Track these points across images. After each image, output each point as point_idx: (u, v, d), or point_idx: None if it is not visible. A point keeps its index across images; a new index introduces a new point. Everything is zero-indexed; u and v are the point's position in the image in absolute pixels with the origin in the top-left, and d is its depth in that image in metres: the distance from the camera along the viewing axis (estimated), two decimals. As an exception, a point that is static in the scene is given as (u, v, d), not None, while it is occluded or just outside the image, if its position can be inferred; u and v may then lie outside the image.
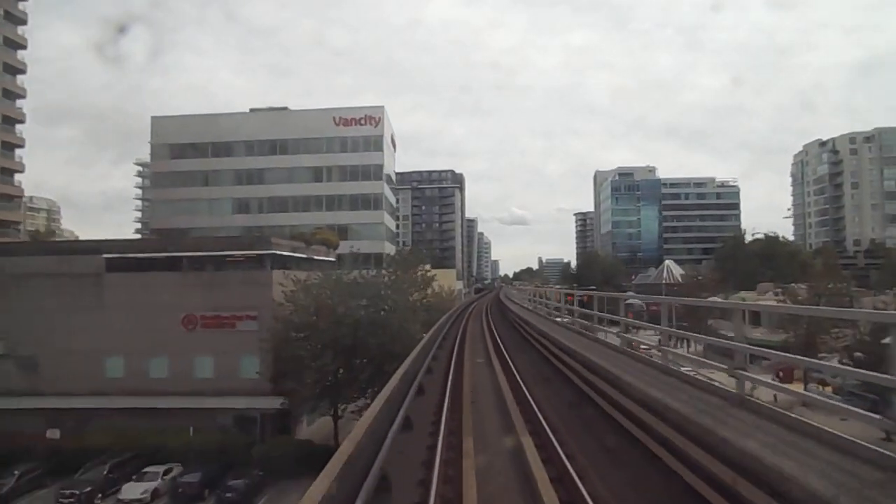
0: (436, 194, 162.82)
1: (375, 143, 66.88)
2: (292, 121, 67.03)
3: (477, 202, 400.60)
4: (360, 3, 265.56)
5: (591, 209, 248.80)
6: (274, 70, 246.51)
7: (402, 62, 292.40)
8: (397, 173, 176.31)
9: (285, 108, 69.95)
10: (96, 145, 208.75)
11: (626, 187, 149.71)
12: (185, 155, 67.58)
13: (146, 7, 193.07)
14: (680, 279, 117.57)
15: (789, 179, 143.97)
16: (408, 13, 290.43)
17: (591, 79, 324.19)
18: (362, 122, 66.74)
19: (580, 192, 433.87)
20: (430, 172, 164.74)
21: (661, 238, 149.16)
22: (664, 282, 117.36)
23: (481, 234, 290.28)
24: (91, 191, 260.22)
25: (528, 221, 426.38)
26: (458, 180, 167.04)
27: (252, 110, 70.00)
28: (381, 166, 66.95)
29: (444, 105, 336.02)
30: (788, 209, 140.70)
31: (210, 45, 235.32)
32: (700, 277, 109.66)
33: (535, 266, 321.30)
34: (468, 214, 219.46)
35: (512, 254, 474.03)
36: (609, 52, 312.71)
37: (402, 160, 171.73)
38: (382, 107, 67.54)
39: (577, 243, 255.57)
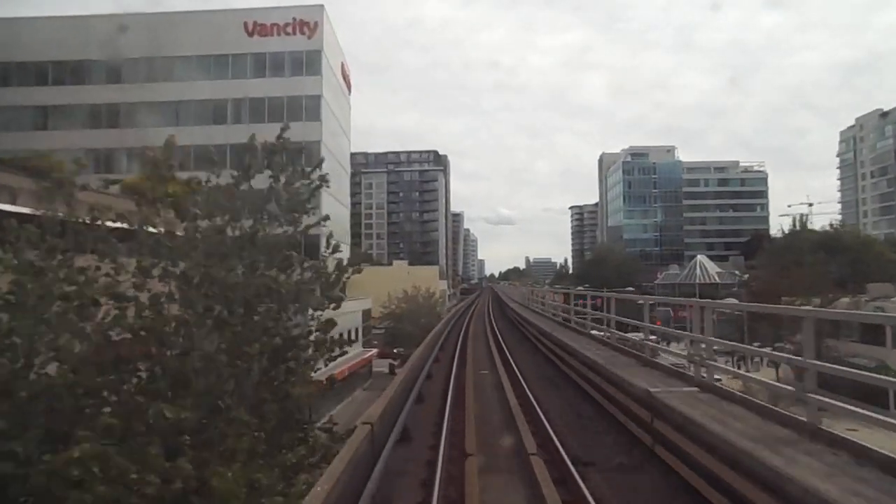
0: (415, 178, 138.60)
1: (311, 63, 42.64)
2: (182, 30, 42.64)
3: (463, 202, 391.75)
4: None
5: (588, 202, 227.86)
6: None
7: (385, 60, 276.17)
8: (369, 154, 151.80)
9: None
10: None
11: (641, 170, 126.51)
12: (9, 81, 43.01)
13: (143, 4, 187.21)
14: (717, 278, 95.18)
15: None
16: (392, 12, 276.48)
17: (579, 78, 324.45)
18: (289, 30, 42.45)
19: (568, 191, 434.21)
20: (408, 153, 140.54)
21: (681, 230, 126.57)
22: (698, 281, 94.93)
23: (468, 230, 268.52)
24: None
25: (514, 221, 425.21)
26: (441, 163, 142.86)
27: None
28: (318, 99, 42.75)
29: (429, 104, 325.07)
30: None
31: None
32: (746, 276, 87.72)
33: (523, 266, 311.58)
34: (453, 209, 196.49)
35: (498, 253, 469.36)
36: (599, 51, 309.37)
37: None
38: (322, 6, 43.27)
39: (574, 240, 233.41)
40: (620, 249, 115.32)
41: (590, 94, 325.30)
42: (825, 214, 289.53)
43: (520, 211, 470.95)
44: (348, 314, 49.95)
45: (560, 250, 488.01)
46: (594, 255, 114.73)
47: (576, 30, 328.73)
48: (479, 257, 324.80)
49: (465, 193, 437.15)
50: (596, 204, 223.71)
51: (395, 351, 56.73)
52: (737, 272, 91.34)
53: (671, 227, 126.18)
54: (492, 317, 35.42)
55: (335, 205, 47.59)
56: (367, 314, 57.48)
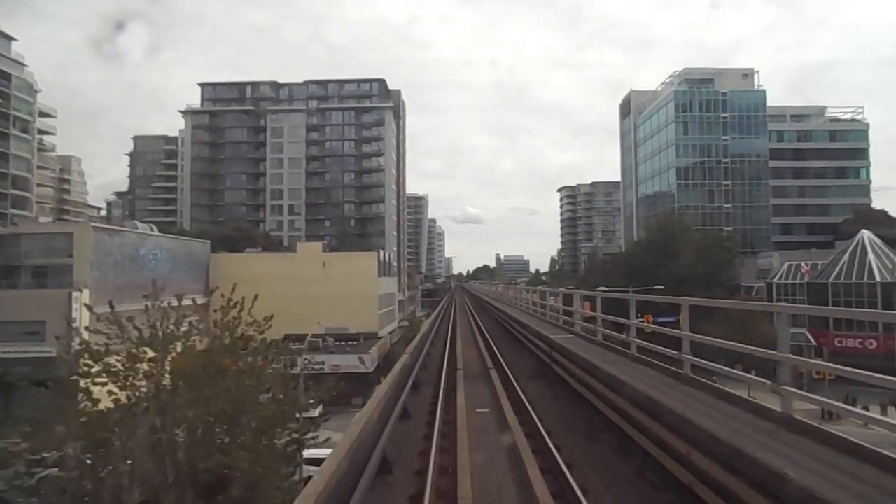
0: (350, 121, 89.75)
1: None
2: None
3: (429, 199, 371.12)
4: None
5: (576, 182, 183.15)
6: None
7: (346, 57, 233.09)
8: (281, 85, 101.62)
9: None
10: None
11: (706, 105, 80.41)
12: None
13: (145, 4, 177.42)
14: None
15: None
16: (351, 8, 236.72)
17: (544, 77, 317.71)
18: None
19: (537, 191, 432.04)
20: (340, 83, 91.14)
21: (766, 202, 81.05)
22: (878, 279, 49.24)
23: (433, 221, 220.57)
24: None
25: (482, 220, 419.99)
26: (391, 100, 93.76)
27: None
28: None
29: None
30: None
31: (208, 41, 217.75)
32: None
33: (493, 264, 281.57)
34: (413, 191, 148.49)
35: (467, 252, 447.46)
36: (561, 50, 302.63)
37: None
38: None
39: (565, 230, 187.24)
40: (689, 226, 68.43)
41: (558, 94, 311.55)
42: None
43: (487, 210, 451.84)
44: None
45: (531, 249, 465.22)
46: (653, 236, 67.28)
47: (543, 29, 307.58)
48: (447, 255, 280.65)
49: (430, 191, 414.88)
50: (593, 184, 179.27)
51: None
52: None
53: (755, 196, 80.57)
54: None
55: None
56: None
